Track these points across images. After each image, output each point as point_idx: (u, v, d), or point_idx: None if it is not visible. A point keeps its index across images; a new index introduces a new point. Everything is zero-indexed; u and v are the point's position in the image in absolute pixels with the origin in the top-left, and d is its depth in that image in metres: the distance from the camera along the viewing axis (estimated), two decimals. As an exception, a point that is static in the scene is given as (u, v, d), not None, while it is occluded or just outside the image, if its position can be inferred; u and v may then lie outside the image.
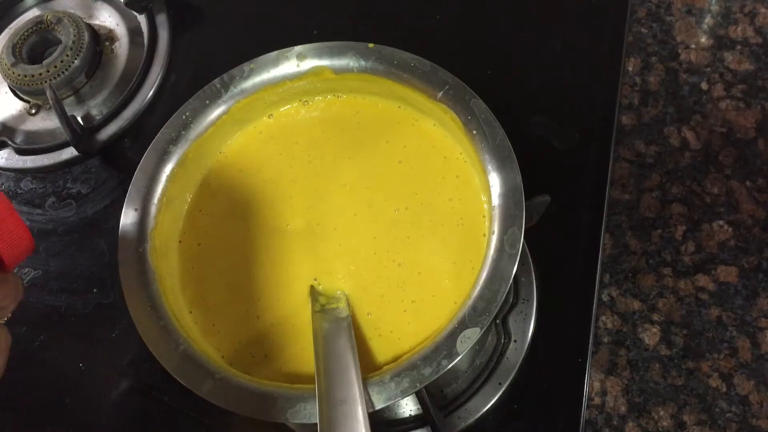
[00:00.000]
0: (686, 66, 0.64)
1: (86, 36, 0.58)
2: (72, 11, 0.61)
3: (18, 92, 0.60)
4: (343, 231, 0.43)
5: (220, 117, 0.46)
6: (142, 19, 0.62)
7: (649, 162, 0.60)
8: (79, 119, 0.57)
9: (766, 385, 0.52)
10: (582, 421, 0.45)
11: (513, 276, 0.37)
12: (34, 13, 0.65)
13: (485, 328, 0.36)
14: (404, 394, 0.35)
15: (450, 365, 0.35)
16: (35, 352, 0.51)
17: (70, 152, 0.57)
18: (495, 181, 0.40)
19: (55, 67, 0.57)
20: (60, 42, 0.58)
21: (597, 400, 0.52)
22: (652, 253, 0.57)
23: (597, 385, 0.53)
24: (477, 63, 0.55)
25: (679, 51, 0.65)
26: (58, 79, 0.57)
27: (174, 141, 0.45)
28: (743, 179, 0.59)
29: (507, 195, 0.39)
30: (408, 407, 0.48)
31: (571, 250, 0.49)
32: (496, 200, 0.39)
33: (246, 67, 0.46)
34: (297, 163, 0.46)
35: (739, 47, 0.64)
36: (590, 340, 0.47)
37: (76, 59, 0.57)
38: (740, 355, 0.53)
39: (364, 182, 0.44)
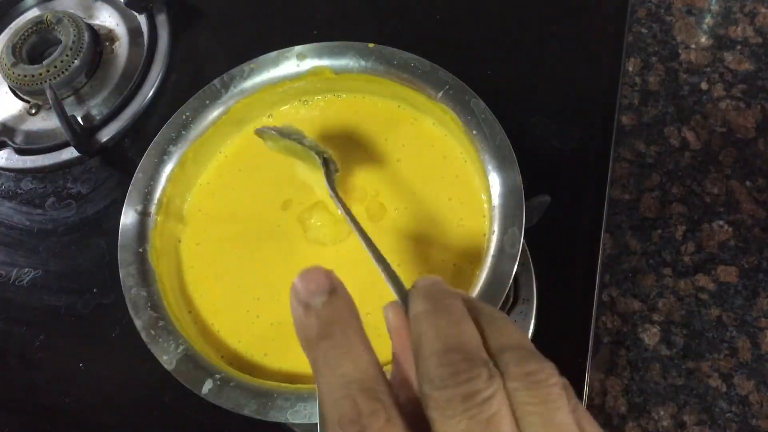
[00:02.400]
0: (686, 66, 0.64)
1: (86, 36, 0.58)
2: (72, 11, 0.61)
3: (18, 92, 0.60)
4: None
5: (220, 117, 0.46)
6: (142, 19, 0.62)
7: (649, 162, 0.60)
8: (79, 119, 0.57)
9: (766, 385, 0.52)
10: (582, 421, 0.45)
11: (513, 276, 0.37)
12: (34, 13, 0.65)
13: (485, 328, 0.36)
14: (404, 394, 0.35)
15: (450, 365, 0.35)
16: (35, 352, 0.51)
17: (70, 152, 0.57)
18: (495, 181, 0.40)
19: (55, 67, 0.57)
20: (60, 42, 0.58)
21: (597, 400, 0.52)
22: (652, 253, 0.57)
23: (597, 385, 0.53)
24: (477, 63, 0.55)
25: (679, 51, 0.65)
26: (58, 79, 0.57)
27: (174, 141, 0.45)
28: (743, 179, 0.59)
29: (507, 195, 0.39)
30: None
31: (571, 250, 0.49)
32: (496, 200, 0.39)
33: (246, 67, 0.46)
34: (296, 163, 0.46)
35: (739, 47, 0.64)
36: (590, 340, 0.47)
37: (76, 59, 0.57)
38: (740, 355, 0.53)
39: (363, 181, 0.44)
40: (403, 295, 0.25)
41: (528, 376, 0.20)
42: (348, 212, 0.36)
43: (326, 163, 0.42)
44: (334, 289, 0.23)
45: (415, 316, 0.23)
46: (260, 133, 0.44)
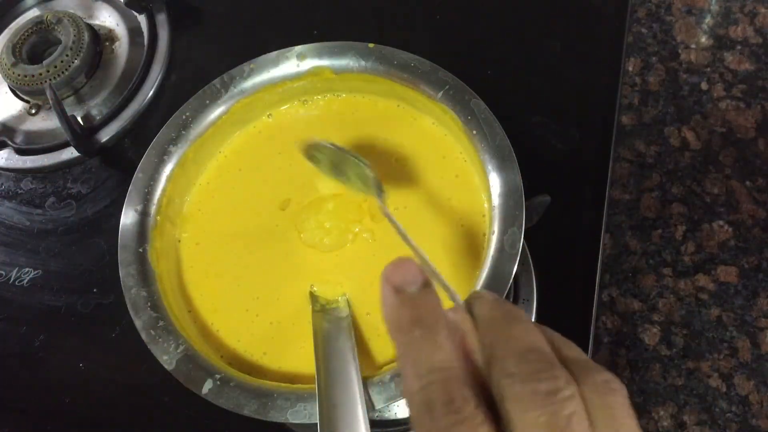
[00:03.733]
0: (686, 66, 0.64)
1: (86, 36, 0.58)
2: (72, 11, 0.61)
3: (18, 92, 0.60)
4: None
5: (220, 117, 0.46)
6: (142, 19, 0.62)
7: (649, 162, 0.60)
8: (79, 119, 0.57)
9: (766, 385, 0.52)
10: (582, 421, 0.45)
11: (513, 276, 0.37)
12: (34, 13, 0.65)
13: (485, 328, 0.36)
14: (404, 394, 0.35)
15: (450, 365, 0.35)
16: (35, 352, 0.51)
17: (70, 152, 0.57)
18: (495, 181, 0.40)
19: (55, 67, 0.57)
20: (60, 42, 0.58)
21: (597, 400, 0.52)
22: (652, 253, 0.57)
23: (597, 385, 0.53)
24: (477, 63, 0.55)
25: (679, 51, 0.65)
26: (58, 79, 0.57)
27: (174, 141, 0.45)
28: (743, 179, 0.59)
29: (507, 195, 0.39)
30: (408, 408, 0.48)
31: (571, 250, 0.49)
32: (496, 200, 0.39)
33: (246, 67, 0.46)
34: (296, 162, 0.45)
35: (739, 47, 0.64)
36: (590, 340, 0.47)
37: (76, 59, 0.57)
38: (740, 355, 0.53)
39: (364, 182, 0.44)
40: (460, 304, 0.25)
41: (604, 384, 0.21)
42: (404, 233, 0.35)
43: (378, 186, 0.40)
44: (428, 282, 0.24)
45: (487, 321, 0.23)
46: (311, 154, 0.42)
